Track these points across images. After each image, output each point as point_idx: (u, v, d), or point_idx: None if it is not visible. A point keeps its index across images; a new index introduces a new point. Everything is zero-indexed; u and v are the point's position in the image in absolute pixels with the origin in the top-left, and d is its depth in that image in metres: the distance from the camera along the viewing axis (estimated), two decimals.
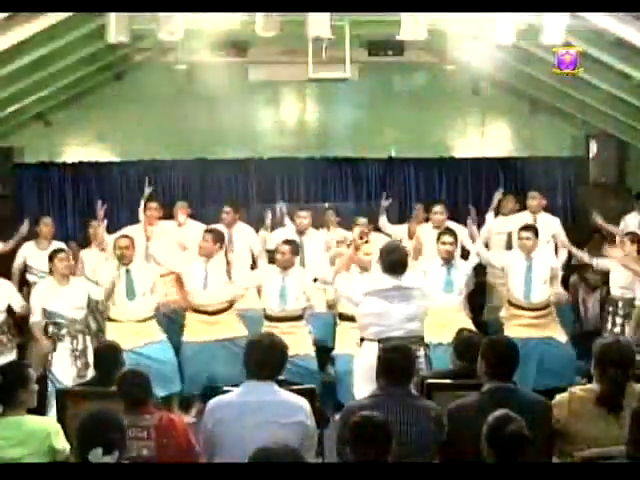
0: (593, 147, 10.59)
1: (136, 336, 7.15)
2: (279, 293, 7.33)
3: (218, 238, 7.63)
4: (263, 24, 6.51)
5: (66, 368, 6.80)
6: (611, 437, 4.00)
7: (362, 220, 8.79)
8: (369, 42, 9.24)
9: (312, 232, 8.78)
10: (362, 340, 5.93)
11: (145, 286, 7.29)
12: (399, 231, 8.88)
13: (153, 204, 8.63)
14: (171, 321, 7.94)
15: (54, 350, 6.84)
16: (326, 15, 6.46)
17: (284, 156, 10.84)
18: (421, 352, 5.82)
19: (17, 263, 8.41)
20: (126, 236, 7.50)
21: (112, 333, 7.11)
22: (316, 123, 11.14)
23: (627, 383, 4.17)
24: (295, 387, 4.65)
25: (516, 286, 7.51)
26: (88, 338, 6.96)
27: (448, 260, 7.43)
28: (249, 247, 8.59)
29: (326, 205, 10.16)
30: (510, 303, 7.59)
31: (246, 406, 4.09)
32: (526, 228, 7.69)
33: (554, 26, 6.63)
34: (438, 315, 7.03)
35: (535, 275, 7.47)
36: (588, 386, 4.30)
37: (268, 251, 8.14)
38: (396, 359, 4.35)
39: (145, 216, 8.53)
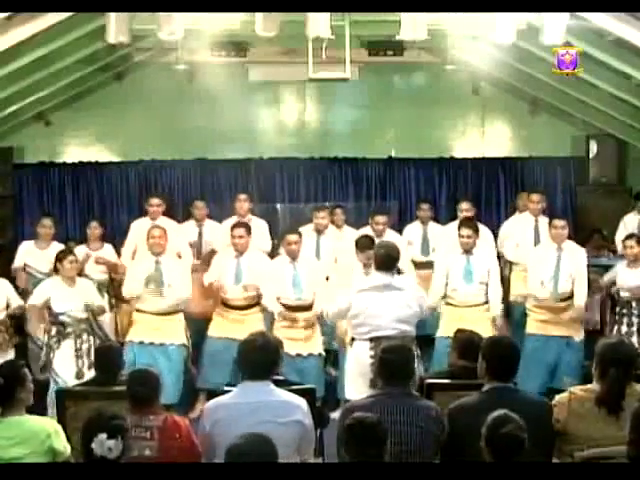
0: (593, 147, 10.60)
1: (154, 332, 7.11)
2: (292, 282, 7.23)
3: (249, 232, 7.63)
4: (263, 24, 6.49)
5: (68, 366, 6.79)
6: (611, 437, 3.99)
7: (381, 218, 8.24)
8: (369, 42, 9.25)
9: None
10: (353, 340, 5.94)
11: (171, 279, 7.21)
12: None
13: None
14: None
15: (58, 348, 6.85)
16: (326, 15, 6.46)
17: (284, 156, 10.86)
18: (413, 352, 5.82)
19: (17, 263, 8.39)
20: (159, 227, 7.52)
21: (136, 324, 7.20)
22: (316, 123, 11.14)
23: (627, 383, 4.17)
24: (294, 387, 4.65)
25: (543, 279, 7.35)
26: (92, 338, 6.96)
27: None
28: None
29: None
30: (533, 296, 7.45)
31: (243, 407, 4.08)
32: (560, 217, 7.61)
33: (554, 26, 6.61)
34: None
35: (563, 268, 7.34)
36: (588, 386, 4.29)
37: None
38: (395, 359, 4.34)
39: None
